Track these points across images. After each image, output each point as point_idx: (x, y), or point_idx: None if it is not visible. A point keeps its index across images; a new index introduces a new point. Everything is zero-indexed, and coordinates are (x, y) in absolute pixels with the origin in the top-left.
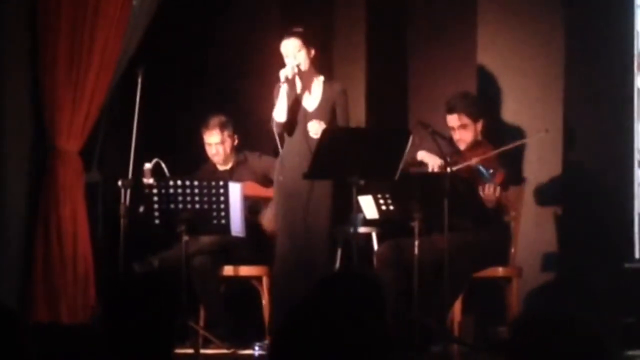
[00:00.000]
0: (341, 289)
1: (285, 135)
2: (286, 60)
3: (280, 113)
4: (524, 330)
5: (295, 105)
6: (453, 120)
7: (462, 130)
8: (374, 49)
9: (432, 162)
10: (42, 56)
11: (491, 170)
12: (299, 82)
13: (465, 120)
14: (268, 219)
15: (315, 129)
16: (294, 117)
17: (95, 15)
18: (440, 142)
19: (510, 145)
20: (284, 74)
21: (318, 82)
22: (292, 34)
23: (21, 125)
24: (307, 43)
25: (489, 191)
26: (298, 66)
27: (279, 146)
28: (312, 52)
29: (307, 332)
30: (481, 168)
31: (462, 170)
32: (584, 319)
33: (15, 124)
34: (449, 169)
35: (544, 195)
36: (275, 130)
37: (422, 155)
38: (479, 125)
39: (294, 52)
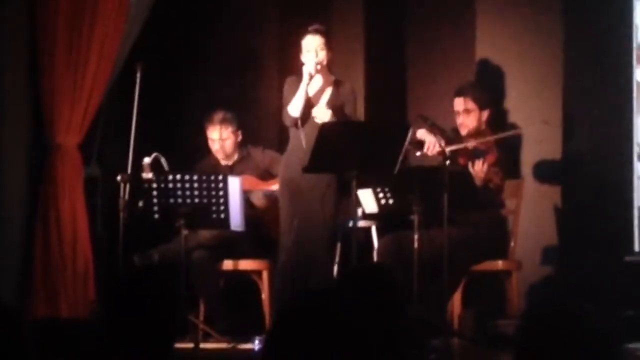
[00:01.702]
0: (361, 283)
1: (294, 129)
2: (306, 55)
3: (295, 108)
4: (533, 324)
5: (308, 101)
6: (459, 103)
7: (466, 115)
8: (372, 42)
9: (430, 139)
10: (41, 51)
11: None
12: (316, 80)
13: (470, 105)
14: (258, 197)
15: (322, 113)
16: (305, 113)
17: (93, 10)
18: (440, 136)
19: (509, 133)
20: (307, 70)
21: (329, 81)
22: (317, 31)
23: (20, 120)
24: (329, 44)
25: (477, 167)
26: (320, 63)
27: (294, 138)
28: (330, 54)
29: (321, 326)
30: (476, 150)
31: (458, 151)
32: (591, 312)
33: (14, 119)
34: (447, 150)
35: (543, 188)
36: (287, 123)
37: (422, 134)
38: (485, 114)
39: (316, 49)
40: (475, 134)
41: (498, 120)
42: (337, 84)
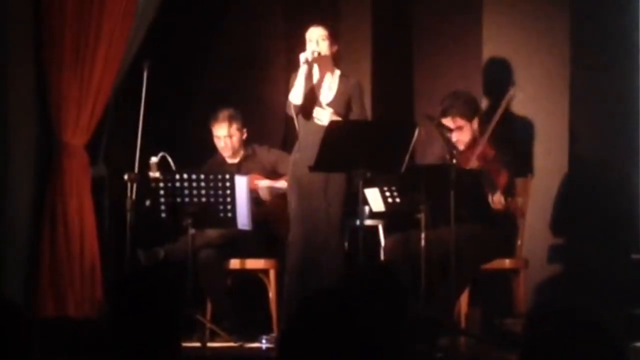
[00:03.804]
0: (366, 281)
1: (302, 121)
2: (308, 44)
3: (296, 95)
4: (540, 323)
5: (311, 92)
6: (448, 122)
7: (459, 132)
8: (380, 42)
9: None
10: (48, 51)
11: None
12: (317, 70)
13: (459, 121)
14: (264, 192)
15: (322, 114)
16: (310, 105)
17: (100, 9)
18: (446, 134)
19: (493, 123)
20: (304, 56)
21: (335, 76)
22: (321, 22)
23: (27, 120)
24: (333, 36)
25: (496, 199)
26: (318, 52)
27: (297, 129)
28: (335, 47)
29: (327, 322)
30: (486, 176)
31: None
32: (598, 310)
33: (21, 119)
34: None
35: (550, 187)
36: (291, 113)
37: None
38: (475, 123)
39: (317, 39)
40: (472, 144)
41: (505, 122)
42: (342, 78)
